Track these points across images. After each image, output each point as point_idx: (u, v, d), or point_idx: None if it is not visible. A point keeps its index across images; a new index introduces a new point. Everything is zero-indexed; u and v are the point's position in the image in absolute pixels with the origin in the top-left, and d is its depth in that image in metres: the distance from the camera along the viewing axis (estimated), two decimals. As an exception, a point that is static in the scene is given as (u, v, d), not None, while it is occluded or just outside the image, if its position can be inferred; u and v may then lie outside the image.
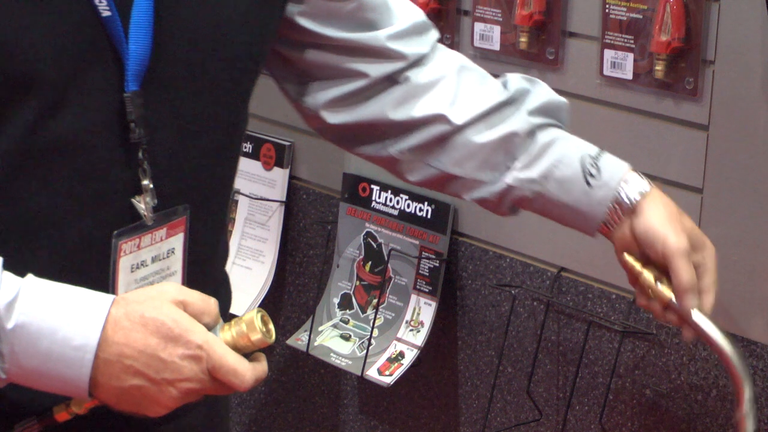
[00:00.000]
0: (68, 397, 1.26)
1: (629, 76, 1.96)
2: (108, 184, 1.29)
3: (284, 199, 2.52)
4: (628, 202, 1.45)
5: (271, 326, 1.26)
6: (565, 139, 1.50)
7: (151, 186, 1.31)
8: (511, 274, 2.21)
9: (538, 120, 1.50)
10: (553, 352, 2.18)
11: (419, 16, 1.53)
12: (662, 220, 1.43)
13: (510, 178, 1.50)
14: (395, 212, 2.35)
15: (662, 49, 1.88)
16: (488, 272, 2.24)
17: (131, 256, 1.32)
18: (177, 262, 1.38)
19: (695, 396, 1.99)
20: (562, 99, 1.53)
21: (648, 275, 1.42)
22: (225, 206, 1.47)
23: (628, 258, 1.44)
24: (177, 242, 1.37)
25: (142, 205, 1.31)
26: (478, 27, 2.13)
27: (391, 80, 1.50)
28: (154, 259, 1.35)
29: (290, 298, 2.59)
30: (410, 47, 1.50)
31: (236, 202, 2.57)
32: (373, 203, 2.38)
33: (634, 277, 1.44)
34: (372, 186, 2.37)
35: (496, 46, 2.12)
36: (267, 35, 1.41)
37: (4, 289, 1.19)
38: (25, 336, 1.19)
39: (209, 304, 1.24)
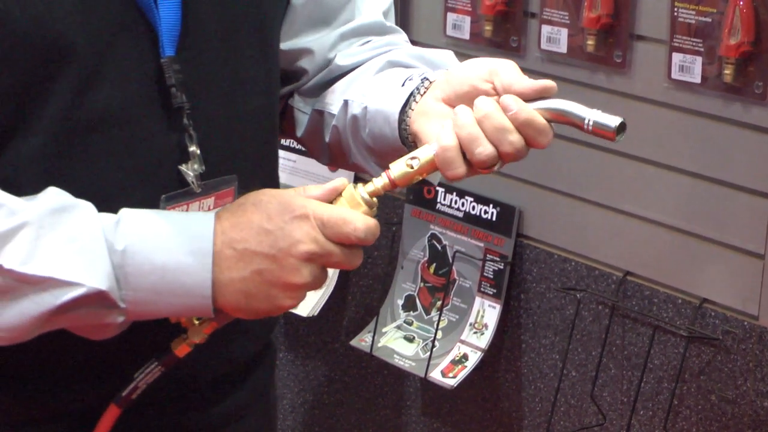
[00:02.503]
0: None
1: (697, 79, 1.94)
2: (155, 154, 1.29)
3: (349, 200, 2.53)
4: (431, 77, 1.34)
5: (367, 194, 1.24)
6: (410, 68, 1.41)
7: (198, 152, 1.31)
8: (576, 277, 2.20)
9: (400, 60, 1.43)
10: (617, 357, 2.17)
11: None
12: (471, 61, 1.30)
13: (347, 95, 1.43)
14: (460, 214, 2.35)
15: (731, 52, 1.87)
16: (553, 275, 2.24)
17: None
18: None
19: (761, 402, 1.98)
20: (445, 60, 1.42)
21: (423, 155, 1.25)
22: (273, 182, 1.46)
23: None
24: None
25: (190, 171, 1.30)
26: (545, 30, 2.13)
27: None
28: None
29: (354, 298, 2.60)
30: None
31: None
32: (438, 205, 2.38)
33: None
34: (437, 188, 2.37)
35: (563, 49, 2.11)
36: None
37: (105, 216, 1.20)
38: (139, 253, 1.19)
39: (308, 190, 1.24)
